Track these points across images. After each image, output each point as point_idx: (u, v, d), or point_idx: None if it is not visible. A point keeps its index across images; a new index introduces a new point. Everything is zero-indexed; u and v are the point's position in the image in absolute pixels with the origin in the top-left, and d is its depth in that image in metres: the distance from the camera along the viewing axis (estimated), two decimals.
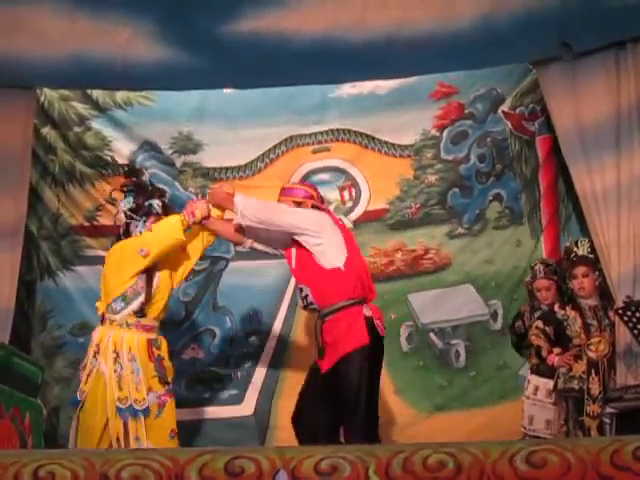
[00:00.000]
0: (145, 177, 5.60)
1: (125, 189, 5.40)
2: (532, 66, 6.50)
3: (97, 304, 5.34)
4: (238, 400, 6.73)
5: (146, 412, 4.89)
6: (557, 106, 6.24)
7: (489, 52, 5.92)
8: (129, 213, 5.31)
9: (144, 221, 5.31)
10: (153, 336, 5.18)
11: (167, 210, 5.44)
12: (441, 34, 5.72)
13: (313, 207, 5.25)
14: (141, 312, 5.15)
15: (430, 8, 5.63)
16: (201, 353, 6.83)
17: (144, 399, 4.93)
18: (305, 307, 5.23)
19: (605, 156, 6.07)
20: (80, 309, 6.76)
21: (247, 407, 6.69)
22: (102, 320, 5.24)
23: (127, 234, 5.31)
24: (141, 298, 5.16)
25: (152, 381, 5.04)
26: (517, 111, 6.87)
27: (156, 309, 5.23)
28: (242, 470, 3.47)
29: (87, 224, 6.83)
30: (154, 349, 5.13)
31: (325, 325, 5.09)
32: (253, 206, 5.12)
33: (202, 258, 6.68)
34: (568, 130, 6.19)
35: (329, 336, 5.05)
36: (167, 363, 5.19)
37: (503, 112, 6.87)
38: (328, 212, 5.39)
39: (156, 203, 5.40)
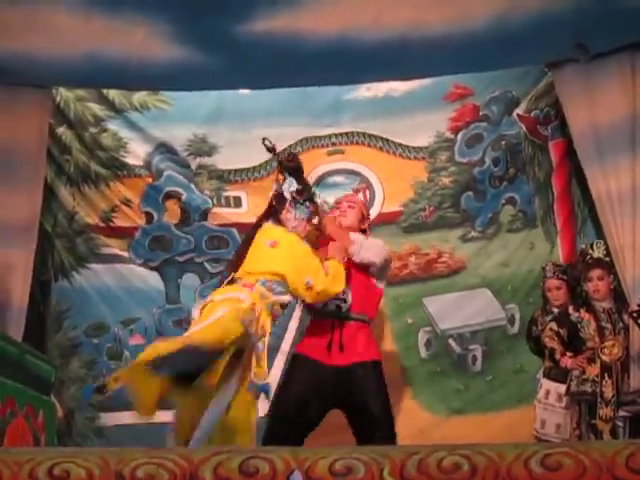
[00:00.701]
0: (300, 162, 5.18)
1: (286, 170, 5.03)
2: (547, 68, 6.49)
3: (246, 268, 4.88)
4: None
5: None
6: (572, 108, 6.23)
7: (504, 54, 5.91)
8: (295, 195, 4.97)
9: (307, 206, 5.04)
10: None
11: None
12: (456, 35, 5.71)
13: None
14: (286, 307, 4.97)
15: (445, 9, 5.62)
16: None
17: None
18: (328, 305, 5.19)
19: (620, 159, 6.06)
20: (96, 309, 6.81)
21: (261, 408, 6.67)
22: (245, 284, 4.78)
23: (276, 216, 5.01)
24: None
25: None
26: (532, 114, 6.84)
27: None
28: (256, 470, 3.46)
29: (103, 225, 6.85)
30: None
31: (348, 326, 5.21)
32: (370, 248, 5.24)
33: (217, 261, 6.79)
34: (583, 132, 6.18)
35: (352, 337, 5.19)
36: None
37: (518, 115, 6.84)
38: None
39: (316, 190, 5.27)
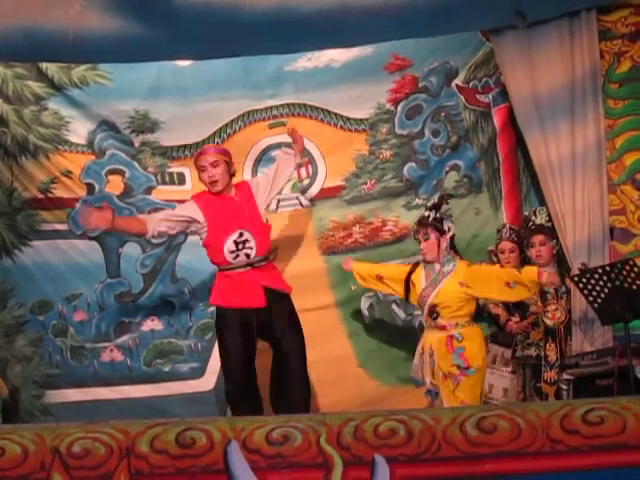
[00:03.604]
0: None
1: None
2: (487, 35, 6.49)
3: None
4: (199, 374, 6.72)
5: (434, 395, 5.63)
6: (512, 75, 6.27)
7: (443, 20, 5.91)
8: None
9: None
10: (453, 332, 5.58)
11: None
12: (395, 1, 5.72)
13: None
14: (434, 315, 5.64)
15: None
16: (160, 325, 6.80)
17: (436, 385, 5.60)
18: (236, 251, 5.52)
19: (560, 125, 6.13)
20: (40, 286, 6.74)
21: (208, 381, 6.68)
22: None
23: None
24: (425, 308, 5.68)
25: (451, 369, 5.53)
26: (470, 85, 6.82)
27: (449, 312, 5.61)
28: (193, 441, 3.48)
29: (42, 196, 6.75)
30: (455, 342, 5.56)
31: (259, 270, 5.58)
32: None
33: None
34: (523, 99, 6.22)
35: (265, 278, 5.58)
36: (469, 352, 5.55)
37: (457, 86, 6.83)
38: None
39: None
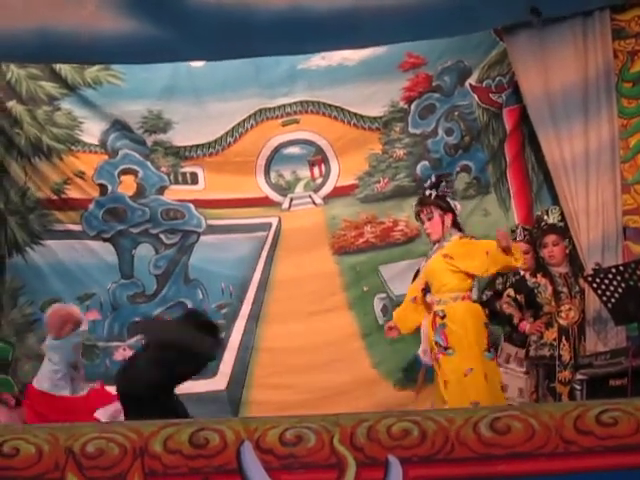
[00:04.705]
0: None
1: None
2: (500, 34, 6.49)
3: None
4: (211, 373, 6.71)
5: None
6: (525, 75, 6.27)
7: (458, 19, 5.90)
8: None
9: None
10: (436, 308, 5.55)
11: None
12: (409, 1, 5.70)
13: None
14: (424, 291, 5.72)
15: None
16: None
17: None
18: None
19: (573, 124, 6.12)
20: (51, 285, 6.78)
21: (220, 381, 6.69)
22: None
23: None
24: None
25: (433, 345, 5.53)
26: (484, 84, 6.83)
27: (434, 288, 5.60)
28: (207, 442, 3.47)
29: (55, 197, 6.78)
30: (437, 319, 5.51)
31: None
32: None
33: (173, 232, 6.74)
34: (537, 99, 6.22)
35: None
36: (451, 329, 5.46)
37: (470, 85, 6.83)
38: None
39: None
